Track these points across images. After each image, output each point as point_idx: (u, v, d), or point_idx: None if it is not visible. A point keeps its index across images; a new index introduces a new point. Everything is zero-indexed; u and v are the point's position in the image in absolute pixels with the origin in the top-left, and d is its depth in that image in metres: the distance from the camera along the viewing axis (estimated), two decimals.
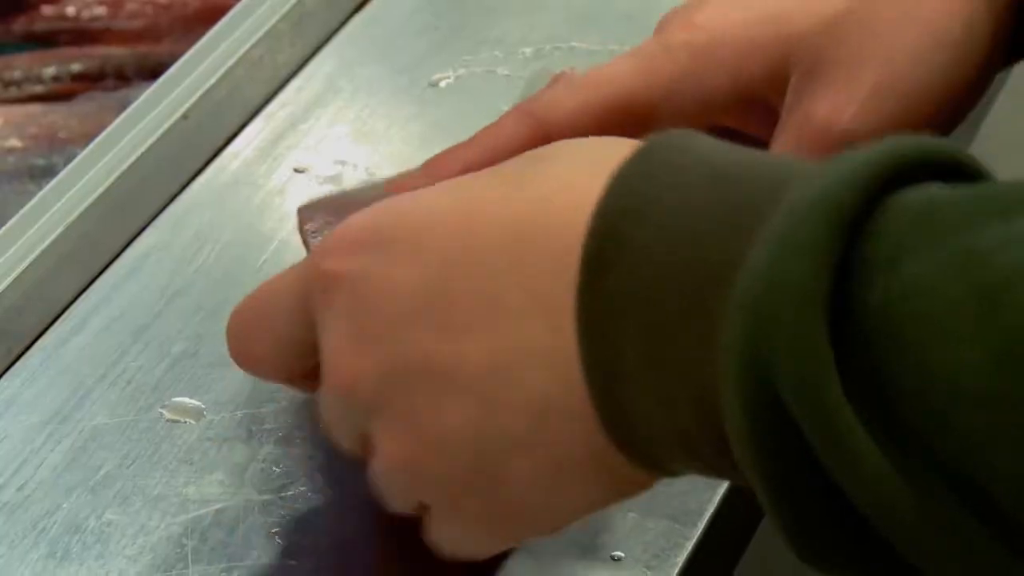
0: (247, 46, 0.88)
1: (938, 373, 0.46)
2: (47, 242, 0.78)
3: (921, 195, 0.48)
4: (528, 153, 0.59)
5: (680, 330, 0.51)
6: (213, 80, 0.86)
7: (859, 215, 0.47)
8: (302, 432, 0.72)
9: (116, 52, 1.04)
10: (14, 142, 0.97)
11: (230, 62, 0.87)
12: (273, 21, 0.89)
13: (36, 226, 0.79)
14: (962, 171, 0.50)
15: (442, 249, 0.56)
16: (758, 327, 0.47)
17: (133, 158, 0.83)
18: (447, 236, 0.57)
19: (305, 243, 0.70)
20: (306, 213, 0.71)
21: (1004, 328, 0.45)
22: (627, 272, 0.52)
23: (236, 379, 0.71)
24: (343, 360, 0.58)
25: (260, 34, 0.89)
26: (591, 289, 0.52)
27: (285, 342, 0.62)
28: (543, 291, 0.54)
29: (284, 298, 0.61)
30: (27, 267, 0.77)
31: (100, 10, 1.07)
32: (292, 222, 0.75)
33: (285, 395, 0.72)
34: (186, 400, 0.73)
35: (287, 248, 0.80)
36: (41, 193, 0.81)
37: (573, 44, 0.88)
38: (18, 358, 0.76)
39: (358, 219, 0.59)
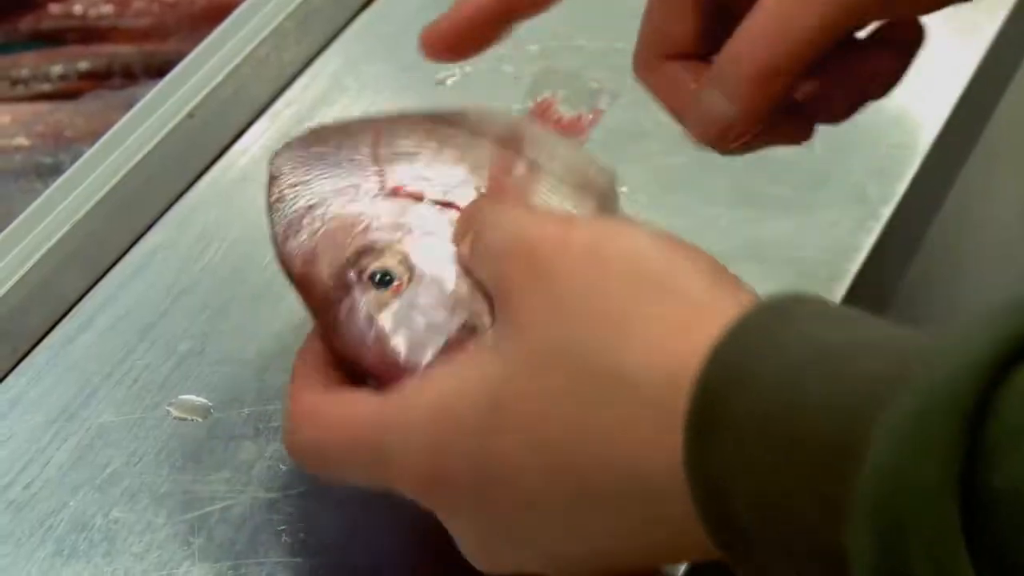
0: (253, 44, 0.88)
1: None
2: (53, 240, 0.78)
3: None
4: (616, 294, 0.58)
5: (795, 504, 0.51)
6: (219, 78, 0.86)
7: (982, 398, 0.47)
8: None
9: (123, 50, 1.05)
10: (21, 140, 0.97)
11: (236, 60, 0.87)
12: (279, 19, 0.89)
13: (42, 224, 0.79)
14: None
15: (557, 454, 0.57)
16: (889, 523, 0.47)
17: (139, 156, 0.83)
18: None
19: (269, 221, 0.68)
20: (274, 167, 0.69)
21: None
22: (732, 442, 0.52)
23: (243, 377, 0.71)
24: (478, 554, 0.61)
25: (266, 32, 0.89)
26: (697, 450, 0.53)
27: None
28: (648, 464, 0.55)
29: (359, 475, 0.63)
30: (33, 265, 0.77)
31: (107, 8, 1.07)
32: None
33: None
34: (193, 398, 0.73)
35: None
36: (47, 191, 0.81)
37: (580, 43, 0.89)
38: (24, 356, 0.77)
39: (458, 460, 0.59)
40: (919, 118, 0.89)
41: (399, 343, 0.62)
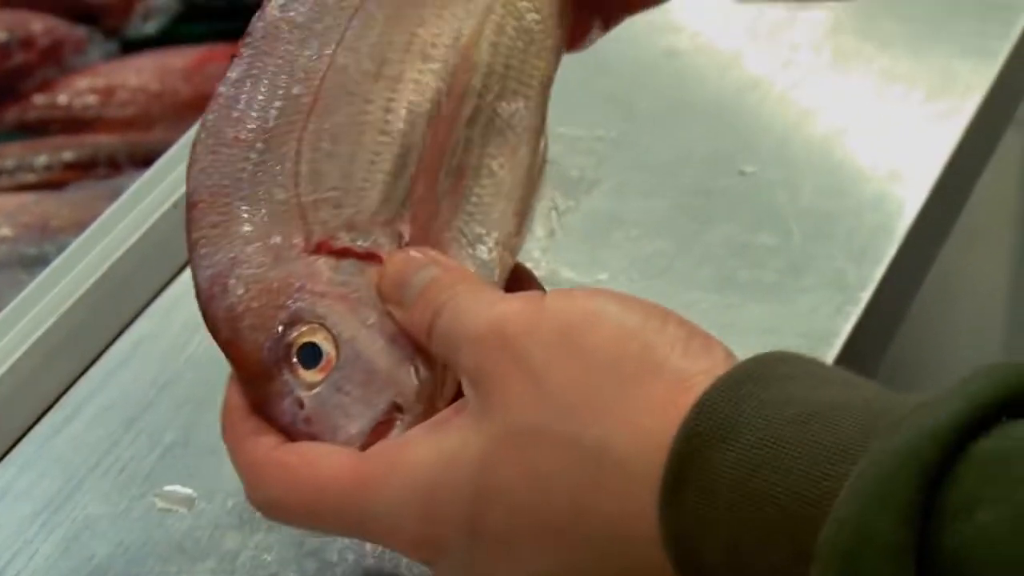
0: None
1: None
2: (39, 332, 0.78)
3: (998, 443, 0.50)
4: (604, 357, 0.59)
5: (762, 553, 0.53)
6: None
7: (941, 463, 0.49)
8: None
9: (107, 140, 1.06)
10: (6, 231, 0.98)
11: None
12: None
13: (29, 316, 0.79)
14: None
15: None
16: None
17: (125, 248, 0.83)
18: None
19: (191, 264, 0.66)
20: (193, 196, 0.66)
21: None
22: (704, 497, 0.54)
23: (227, 467, 0.71)
24: None
25: None
26: (670, 510, 0.54)
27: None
28: (628, 525, 0.56)
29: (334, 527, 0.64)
30: (19, 357, 0.77)
31: (91, 98, 1.09)
32: None
33: None
34: (178, 488, 0.73)
35: None
36: (34, 283, 0.81)
37: (560, 130, 0.89)
38: (11, 448, 0.76)
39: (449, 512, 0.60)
40: (898, 201, 0.89)
41: (328, 427, 0.62)
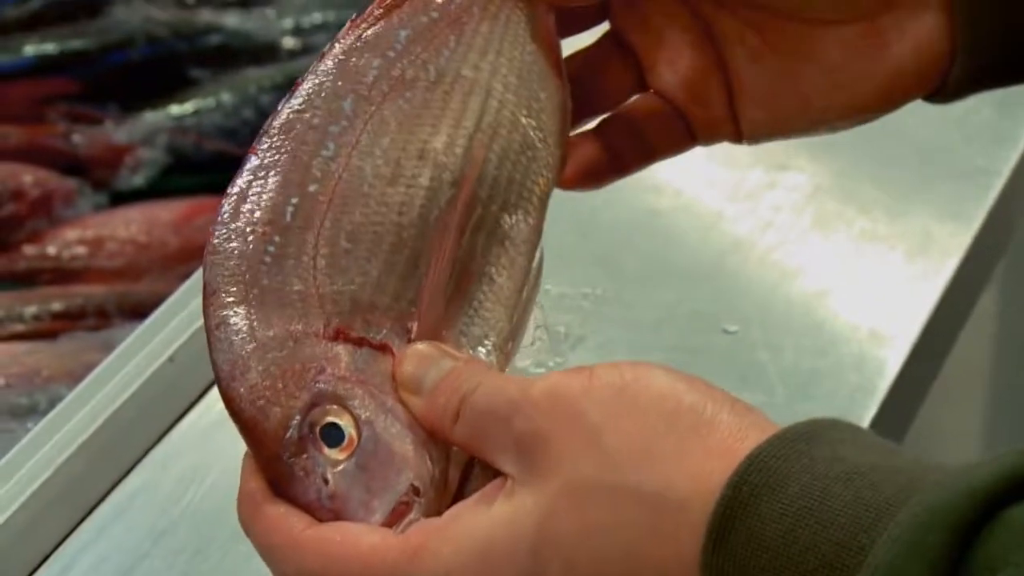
0: None
1: None
2: (35, 486, 0.79)
3: None
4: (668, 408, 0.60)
5: None
6: (198, 323, 0.87)
7: (974, 524, 0.51)
8: None
9: (96, 291, 1.06)
10: None
11: None
12: None
13: (24, 468, 0.80)
14: None
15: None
16: None
17: (120, 400, 0.83)
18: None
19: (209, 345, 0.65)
20: (209, 275, 0.65)
21: None
22: (753, 538, 0.55)
23: None
24: None
25: None
26: (714, 554, 0.56)
27: None
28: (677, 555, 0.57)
29: None
30: (15, 511, 0.78)
31: (80, 249, 1.09)
32: None
33: None
34: None
35: None
36: (29, 435, 0.81)
37: (546, 287, 0.90)
38: None
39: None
40: (878, 361, 0.90)
41: (353, 505, 0.62)
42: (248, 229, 0.66)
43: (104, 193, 1.15)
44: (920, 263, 0.94)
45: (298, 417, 0.63)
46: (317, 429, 0.63)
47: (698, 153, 0.99)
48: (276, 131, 0.67)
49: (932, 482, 0.53)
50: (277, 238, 0.66)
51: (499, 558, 0.60)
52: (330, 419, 0.63)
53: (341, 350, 0.64)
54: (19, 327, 1.05)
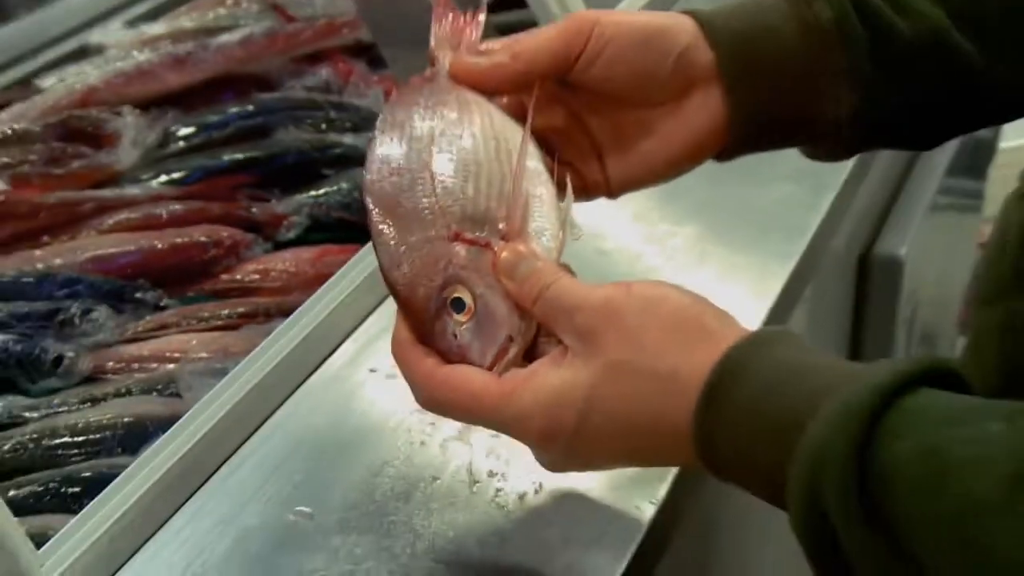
0: (342, 296, 0.89)
1: (907, 513, 0.49)
2: (235, 399, 0.78)
3: (915, 400, 0.51)
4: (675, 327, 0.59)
5: (758, 452, 0.54)
6: (322, 316, 0.87)
7: (881, 408, 0.50)
8: None
9: (264, 300, 1.06)
10: (204, 354, 0.98)
11: (331, 307, 0.87)
12: (356, 282, 0.90)
13: (224, 395, 0.78)
14: (953, 376, 0.53)
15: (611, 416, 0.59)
16: (815, 469, 0.50)
17: (277, 360, 0.82)
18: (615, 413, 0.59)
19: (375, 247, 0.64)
20: (369, 202, 0.64)
21: (948, 498, 0.47)
22: (727, 407, 0.55)
23: None
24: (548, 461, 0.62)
25: (350, 289, 0.89)
26: (702, 416, 0.56)
27: None
28: (678, 425, 0.57)
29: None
30: (226, 412, 0.76)
31: (255, 276, 1.09)
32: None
33: None
34: None
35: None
36: (226, 378, 0.80)
37: None
38: None
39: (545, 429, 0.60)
40: None
41: (472, 351, 0.62)
42: (388, 170, 0.63)
43: (270, 243, 1.14)
44: (761, 284, 0.93)
45: (436, 294, 0.61)
46: (448, 301, 0.61)
47: (628, 215, 0.99)
48: (380, 131, 0.65)
49: (852, 379, 0.52)
50: (407, 175, 0.63)
51: (561, 406, 0.59)
52: (456, 295, 0.61)
53: (460, 248, 0.63)
54: (218, 323, 1.04)
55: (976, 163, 1.76)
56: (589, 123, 0.69)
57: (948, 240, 1.58)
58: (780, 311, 0.92)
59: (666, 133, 0.68)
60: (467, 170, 0.64)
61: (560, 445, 0.60)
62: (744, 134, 0.68)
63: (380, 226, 0.63)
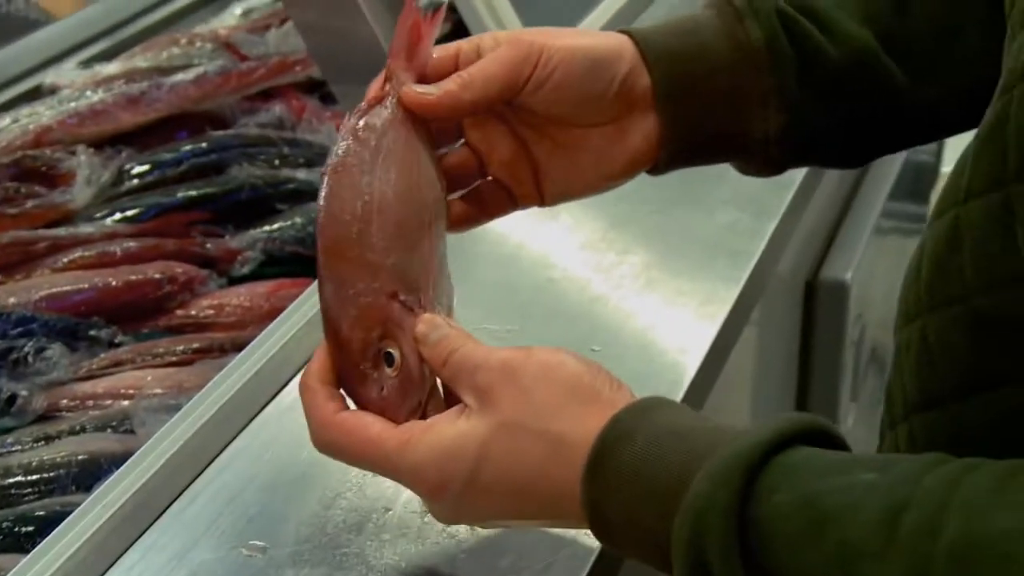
0: (294, 330, 0.88)
1: (788, 564, 0.50)
2: (183, 440, 0.77)
3: (790, 457, 0.52)
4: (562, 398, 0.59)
5: (644, 514, 0.55)
6: (274, 351, 0.86)
7: (761, 464, 0.51)
8: None
9: (219, 335, 1.05)
10: (158, 390, 0.97)
11: (283, 340, 0.87)
12: (308, 316, 0.89)
13: (176, 431, 0.78)
14: (830, 435, 0.54)
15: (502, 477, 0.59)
16: (698, 525, 0.51)
17: (230, 394, 0.82)
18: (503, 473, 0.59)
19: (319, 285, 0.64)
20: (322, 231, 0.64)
21: (826, 546, 0.48)
22: (613, 473, 0.55)
23: None
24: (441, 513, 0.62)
25: (302, 323, 0.89)
26: (590, 481, 0.56)
27: None
28: (565, 488, 0.58)
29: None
30: (177, 448, 0.75)
31: (210, 311, 1.09)
32: None
33: None
34: None
35: None
36: (179, 414, 0.79)
37: (484, 326, 0.89)
38: None
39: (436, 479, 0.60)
40: (683, 366, 0.88)
41: (391, 404, 0.62)
42: (337, 219, 0.64)
43: (224, 278, 1.14)
44: (708, 308, 0.94)
45: (371, 344, 0.62)
46: (382, 353, 0.62)
47: (575, 244, 0.99)
48: (332, 173, 0.65)
49: (732, 439, 0.53)
50: (354, 228, 0.63)
51: (453, 459, 0.59)
52: (389, 349, 0.62)
53: (396, 305, 0.63)
54: (172, 359, 1.03)
55: (918, 187, 1.78)
56: (527, 139, 0.69)
57: (893, 263, 1.59)
58: (727, 335, 0.93)
59: (603, 150, 0.69)
60: (401, 233, 0.65)
61: (451, 498, 0.60)
62: (676, 149, 0.69)
63: (326, 272, 0.64)
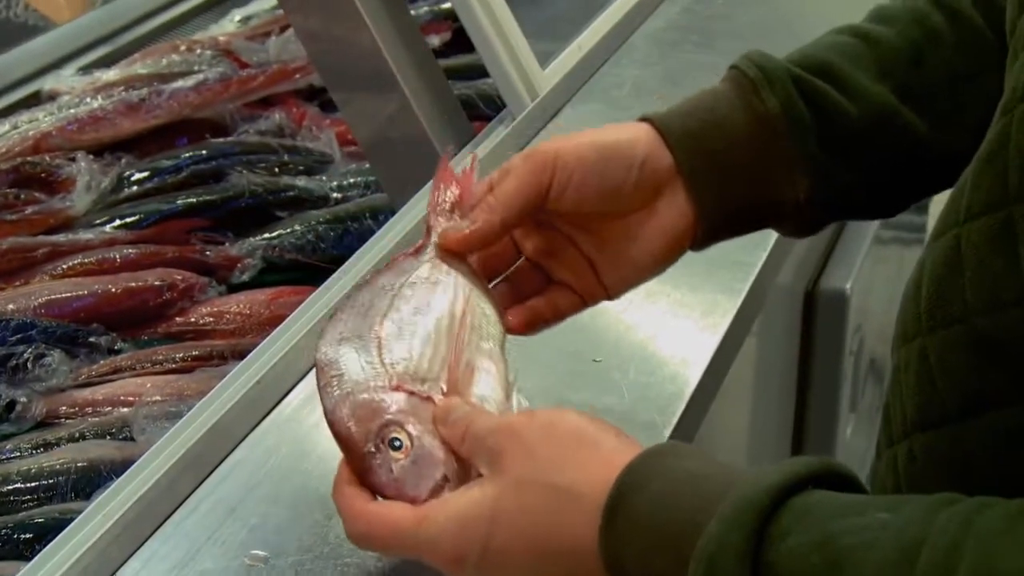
0: (296, 339, 0.88)
1: None
2: (184, 448, 0.76)
3: (804, 500, 0.52)
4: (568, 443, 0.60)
5: (661, 559, 0.54)
6: (276, 359, 0.86)
7: (773, 508, 0.51)
8: None
9: (218, 343, 1.05)
10: (158, 397, 0.97)
11: (285, 350, 0.87)
12: (310, 325, 0.89)
13: (176, 442, 0.77)
14: (844, 476, 0.54)
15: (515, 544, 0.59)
16: (712, 569, 0.51)
17: (231, 404, 0.82)
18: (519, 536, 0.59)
19: (320, 396, 0.67)
20: (320, 358, 0.67)
21: None
22: (629, 521, 0.55)
23: None
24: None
25: (304, 332, 0.89)
26: (607, 530, 0.56)
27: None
28: (580, 541, 0.57)
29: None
30: (175, 461, 0.75)
31: (209, 319, 1.09)
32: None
33: None
34: None
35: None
36: (178, 424, 0.79)
37: None
38: None
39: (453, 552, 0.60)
40: (684, 378, 0.88)
41: (406, 485, 0.63)
42: (339, 339, 0.67)
43: (224, 286, 1.14)
44: (709, 319, 0.94)
45: (375, 431, 0.63)
46: (386, 440, 0.63)
47: None
48: (347, 303, 0.69)
49: (744, 483, 0.52)
50: (356, 341, 0.67)
51: (469, 523, 0.59)
52: (394, 435, 0.63)
53: (400, 396, 0.65)
54: (172, 365, 1.03)
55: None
56: (577, 240, 0.72)
57: (893, 273, 1.59)
58: (729, 346, 0.93)
59: (645, 236, 0.71)
60: (414, 340, 0.67)
61: (469, 566, 0.60)
62: (711, 226, 0.71)
63: (326, 376, 0.66)
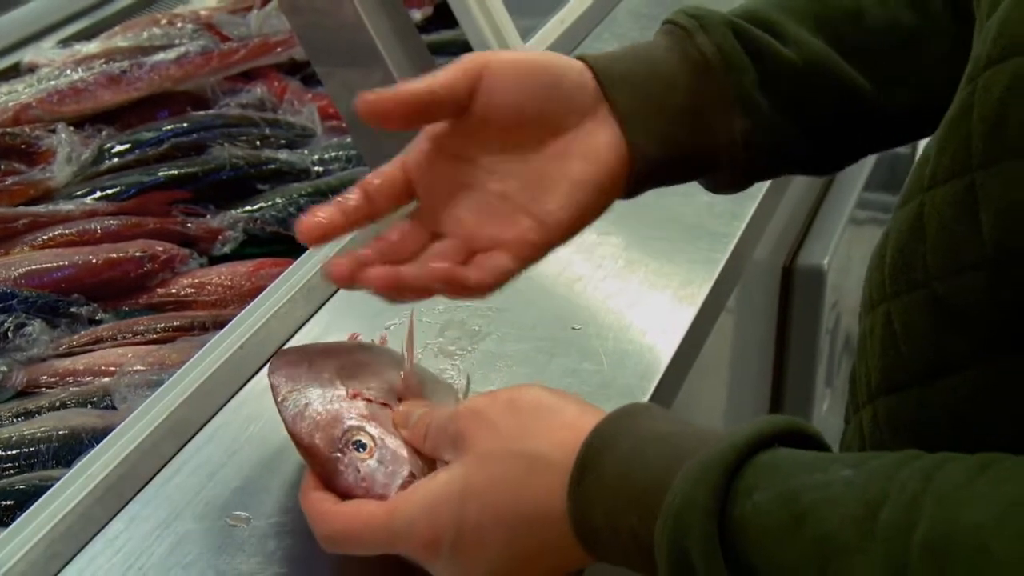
0: (277, 307, 0.89)
1: (768, 559, 0.50)
2: (161, 418, 0.77)
3: (770, 457, 0.53)
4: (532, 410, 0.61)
5: (627, 517, 0.55)
6: (257, 326, 0.87)
7: (739, 464, 0.52)
8: None
9: (200, 314, 1.05)
10: (139, 367, 0.97)
11: (266, 317, 0.88)
12: (291, 293, 0.90)
13: (153, 411, 0.78)
14: (809, 435, 0.55)
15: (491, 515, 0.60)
16: (679, 525, 0.52)
17: (212, 370, 0.82)
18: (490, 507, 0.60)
19: (280, 411, 0.69)
20: (275, 380, 0.70)
21: (806, 542, 0.49)
22: (598, 481, 0.56)
23: None
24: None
25: (284, 300, 0.90)
26: (575, 492, 0.57)
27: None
28: (551, 506, 0.58)
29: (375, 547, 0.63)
30: (150, 432, 0.76)
31: (191, 289, 1.08)
32: None
33: None
34: None
35: None
36: (158, 391, 0.80)
37: (468, 303, 0.89)
38: None
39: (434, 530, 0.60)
40: (662, 347, 0.89)
41: (377, 484, 0.64)
42: (294, 362, 0.71)
43: (205, 257, 1.14)
44: (687, 290, 0.95)
45: (339, 437, 0.65)
46: (350, 444, 0.64)
47: None
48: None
49: (710, 441, 0.53)
50: (307, 364, 0.71)
51: (440, 505, 0.60)
52: (358, 437, 0.65)
53: (359, 403, 0.67)
54: (154, 335, 1.03)
55: (894, 178, 1.80)
56: (504, 188, 0.68)
57: (868, 252, 1.61)
58: (706, 317, 0.94)
59: (576, 172, 0.68)
60: (366, 371, 0.71)
61: (445, 548, 0.60)
62: (645, 165, 0.69)
63: (283, 393, 0.68)
